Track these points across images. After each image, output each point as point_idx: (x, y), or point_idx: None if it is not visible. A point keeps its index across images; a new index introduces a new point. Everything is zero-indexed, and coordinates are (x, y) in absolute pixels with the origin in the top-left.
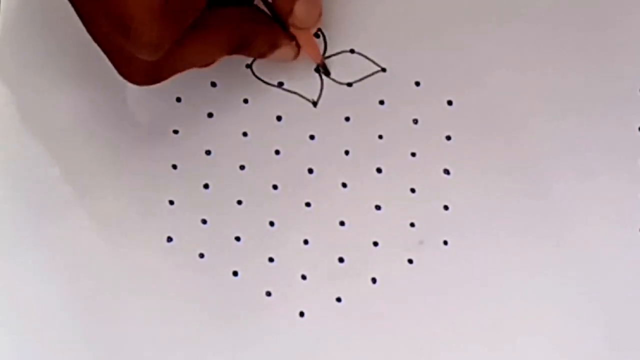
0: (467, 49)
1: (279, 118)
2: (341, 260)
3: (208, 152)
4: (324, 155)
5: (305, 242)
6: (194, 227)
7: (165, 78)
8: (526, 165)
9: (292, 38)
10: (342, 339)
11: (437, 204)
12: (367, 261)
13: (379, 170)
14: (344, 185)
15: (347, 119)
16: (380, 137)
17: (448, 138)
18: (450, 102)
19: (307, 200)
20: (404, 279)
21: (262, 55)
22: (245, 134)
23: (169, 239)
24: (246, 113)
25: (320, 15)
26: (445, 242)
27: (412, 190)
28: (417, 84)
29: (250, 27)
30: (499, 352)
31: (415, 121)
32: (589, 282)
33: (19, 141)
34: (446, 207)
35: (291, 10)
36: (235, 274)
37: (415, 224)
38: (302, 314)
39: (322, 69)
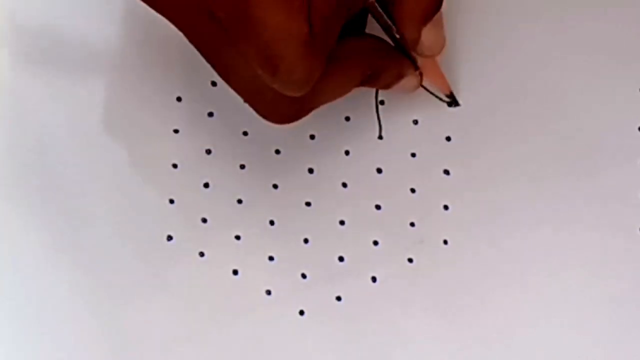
0: (466, 49)
1: None
2: (341, 259)
3: (208, 152)
4: (324, 155)
5: (306, 241)
6: (194, 226)
7: (305, 114)
8: (526, 165)
9: (417, 67)
10: (342, 338)
11: (437, 203)
12: (367, 260)
13: (379, 170)
14: (344, 185)
15: (347, 118)
16: (380, 137)
17: (448, 139)
18: (450, 104)
19: (307, 200)
20: (404, 278)
21: (387, 86)
22: (245, 133)
23: (169, 238)
24: (246, 112)
25: (444, 41)
26: (445, 242)
27: (412, 190)
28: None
29: (380, 58)
30: (498, 351)
31: (416, 122)
32: (589, 282)
33: (18, 141)
34: (446, 207)
35: (418, 38)
36: (235, 272)
37: (415, 223)
38: (302, 313)
39: (450, 99)
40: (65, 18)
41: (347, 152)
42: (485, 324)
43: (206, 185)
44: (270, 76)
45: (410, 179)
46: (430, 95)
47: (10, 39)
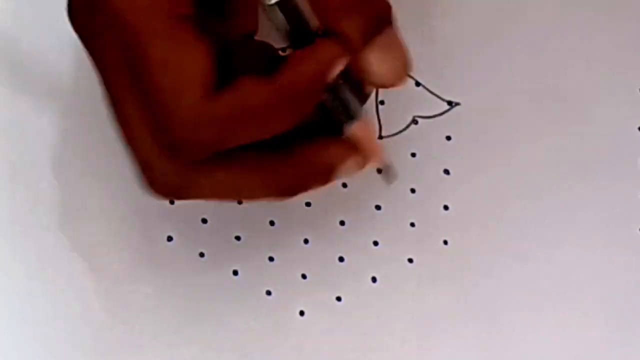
0: (466, 49)
1: None
2: (341, 259)
3: None
4: None
5: (306, 241)
6: (194, 227)
7: (187, 198)
8: (526, 165)
9: (350, 150)
10: (342, 338)
11: (437, 203)
12: (367, 261)
13: (379, 171)
14: (344, 185)
15: None
16: (381, 137)
17: (448, 138)
18: (450, 103)
19: (307, 200)
20: (404, 278)
21: (324, 183)
22: None
23: (169, 239)
24: None
25: (404, 68)
26: (445, 242)
27: (412, 191)
28: (418, 84)
29: (296, 171)
30: (498, 351)
31: (416, 122)
32: (589, 282)
33: (17, 144)
34: (446, 207)
35: (366, 64)
36: (235, 273)
37: (415, 223)
38: (302, 314)
39: (387, 174)
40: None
41: None
42: (485, 324)
43: None
44: (162, 132)
45: (410, 179)
46: (430, 95)
47: (4, 39)
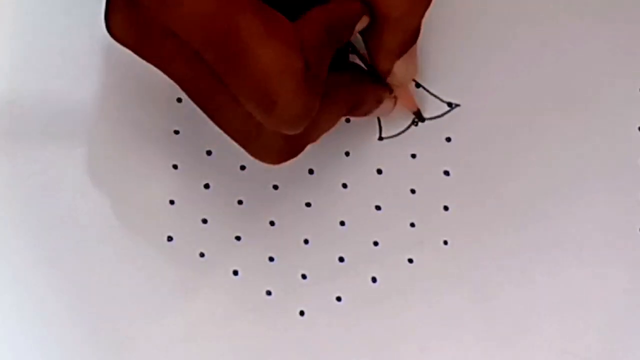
0: (465, 50)
1: None
2: (341, 259)
3: (209, 153)
4: (325, 156)
5: (306, 241)
6: (194, 227)
7: (300, 152)
8: (526, 165)
9: (391, 91)
10: (342, 339)
11: (437, 204)
12: (367, 261)
13: (379, 171)
14: (344, 185)
15: (348, 120)
16: (381, 138)
17: (448, 139)
18: (450, 104)
19: (307, 200)
20: (404, 278)
21: (367, 113)
22: None
23: (170, 239)
24: None
25: (416, 71)
26: (446, 242)
27: (412, 191)
28: (418, 85)
29: (361, 88)
30: (498, 351)
31: (416, 123)
32: (589, 282)
33: (17, 142)
34: (446, 208)
35: (390, 70)
36: (235, 273)
37: (416, 224)
38: (302, 314)
39: (416, 117)
40: (61, 16)
41: (347, 153)
42: (485, 325)
43: (206, 186)
44: (266, 114)
45: (410, 180)
46: (430, 96)
47: (5, 38)
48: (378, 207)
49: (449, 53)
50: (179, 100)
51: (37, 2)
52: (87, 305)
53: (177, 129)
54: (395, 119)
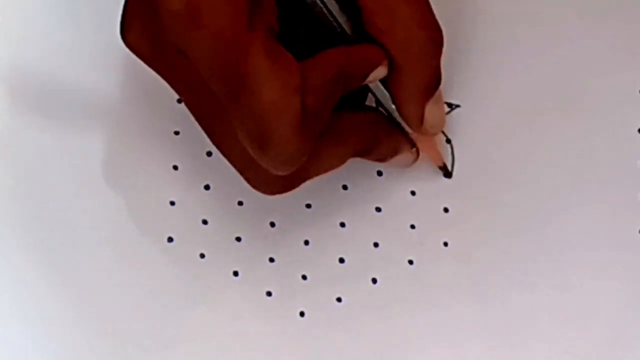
0: (465, 51)
1: None
2: (342, 260)
3: (209, 154)
4: None
5: (306, 242)
6: (194, 228)
7: (295, 187)
8: (526, 166)
9: (413, 145)
10: (342, 339)
11: (437, 206)
12: (367, 262)
13: (379, 173)
14: (345, 187)
15: None
16: None
17: (448, 140)
18: (450, 105)
19: (307, 202)
20: (404, 279)
21: (381, 160)
22: None
23: (170, 239)
24: None
25: (444, 120)
26: (446, 244)
27: (412, 193)
28: None
29: (375, 133)
30: (498, 352)
31: None
32: (589, 283)
33: (18, 142)
34: (446, 209)
35: (422, 116)
36: (235, 274)
37: (416, 225)
38: (302, 314)
39: (443, 171)
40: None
41: None
42: (485, 326)
43: (207, 187)
44: (258, 152)
45: (410, 181)
46: None
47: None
48: (378, 209)
49: (449, 53)
50: (179, 101)
51: (40, 3)
52: (87, 306)
53: (177, 129)
54: None
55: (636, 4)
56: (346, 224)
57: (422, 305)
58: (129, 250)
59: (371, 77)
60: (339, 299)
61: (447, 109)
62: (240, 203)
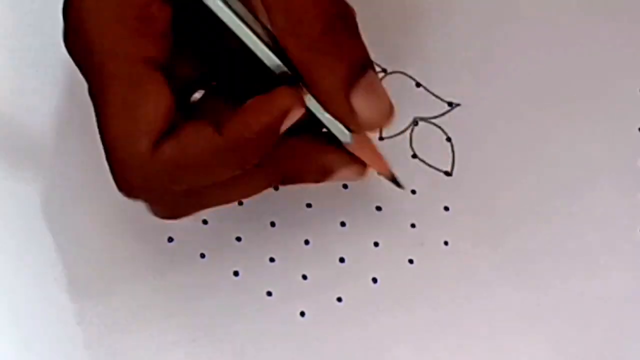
0: (465, 50)
1: None
2: (342, 260)
3: None
4: None
5: (306, 242)
6: (194, 228)
7: (188, 214)
8: (526, 166)
9: (349, 158)
10: (342, 339)
11: (437, 205)
12: (367, 261)
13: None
14: (345, 186)
15: None
16: (381, 139)
17: (448, 140)
18: (450, 104)
19: (308, 201)
20: (404, 279)
21: (318, 181)
22: None
23: (170, 239)
24: None
25: (391, 109)
26: (446, 243)
27: (413, 192)
28: (418, 85)
29: (290, 164)
30: (498, 352)
31: (416, 123)
32: (589, 282)
33: (17, 142)
34: (446, 208)
35: (351, 110)
36: (236, 274)
37: (416, 224)
38: (302, 314)
39: (393, 183)
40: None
41: None
42: (485, 325)
43: None
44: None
45: (410, 181)
46: (430, 96)
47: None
48: (379, 208)
49: (449, 53)
50: None
51: (33, 4)
52: (86, 306)
53: None
54: (395, 120)
55: (636, 3)
56: (346, 223)
57: (423, 304)
58: (129, 250)
59: (286, 125)
60: (339, 299)
61: (447, 108)
62: (240, 203)
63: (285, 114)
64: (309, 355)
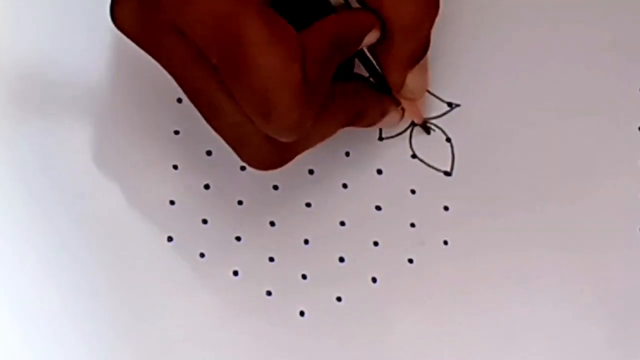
0: (465, 51)
1: None
2: (341, 260)
3: (209, 153)
4: (325, 156)
5: (306, 242)
6: (194, 227)
7: (290, 161)
8: (526, 165)
9: (398, 103)
10: (342, 339)
11: (437, 204)
12: (367, 261)
13: (379, 172)
14: (345, 185)
15: None
16: (381, 139)
17: (448, 140)
18: (450, 104)
19: (307, 201)
20: (404, 278)
21: (372, 124)
22: None
23: (170, 239)
24: None
25: (428, 84)
26: (446, 242)
27: (412, 191)
28: None
29: (364, 100)
30: (499, 352)
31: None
32: (589, 282)
33: (19, 141)
34: (446, 208)
35: (403, 82)
36: (235, 273)
37: (416, 224)
38: (302, 314)
39: (423, 129)
40: (61, 19)
41: (347, 154)
42: (485, 325)
43: (207, 186)
44: (262, 122)
45: (410, 180)
46: (430, 96)
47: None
48: (378, 207)
49: (449, 53)
50: (179, 100)
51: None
52: (86, 306)
53: (177, 129)
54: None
55: (636, 4)
56: (346, 223)
57: (422, 304)
58: (128, 249)
59: (365, 41)
60: (339, 299)
61: (447, 108)
62: (240, 202)
63: (369, 29)
64: (308, 354)
